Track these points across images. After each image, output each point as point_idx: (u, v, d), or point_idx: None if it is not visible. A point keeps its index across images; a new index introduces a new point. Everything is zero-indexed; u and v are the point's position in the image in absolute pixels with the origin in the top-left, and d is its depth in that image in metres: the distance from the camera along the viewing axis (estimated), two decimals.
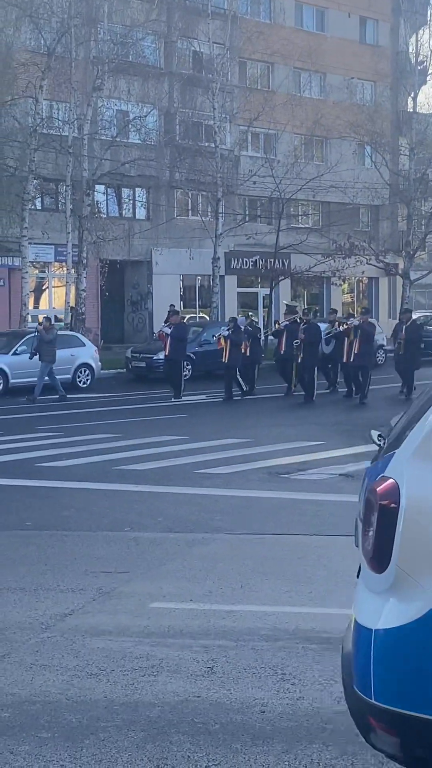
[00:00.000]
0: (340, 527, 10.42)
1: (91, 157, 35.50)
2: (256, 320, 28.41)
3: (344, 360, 24.10)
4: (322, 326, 26.37)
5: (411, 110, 46.30)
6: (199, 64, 40.88)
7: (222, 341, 25.01)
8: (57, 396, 24.16)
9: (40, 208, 37.32)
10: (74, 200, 34.79)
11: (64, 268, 36.39)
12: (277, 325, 26.89)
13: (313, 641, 6.75)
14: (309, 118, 42.87)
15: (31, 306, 34.77)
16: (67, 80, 34.05)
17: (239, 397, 24.55)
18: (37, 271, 39.11)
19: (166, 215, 41.28)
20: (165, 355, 25.05)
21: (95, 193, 37.10)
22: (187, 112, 40.77)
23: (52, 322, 26.11)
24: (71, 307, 35.07)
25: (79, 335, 29.65)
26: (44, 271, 40.00)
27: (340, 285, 46.50)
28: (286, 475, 13.70)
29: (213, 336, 27.66)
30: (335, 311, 28.88)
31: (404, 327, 24.65)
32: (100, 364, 28.23)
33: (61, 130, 35.15)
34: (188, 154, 40.13)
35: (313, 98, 45.69)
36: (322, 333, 25.51)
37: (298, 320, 25.29)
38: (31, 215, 33.49)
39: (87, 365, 27.81)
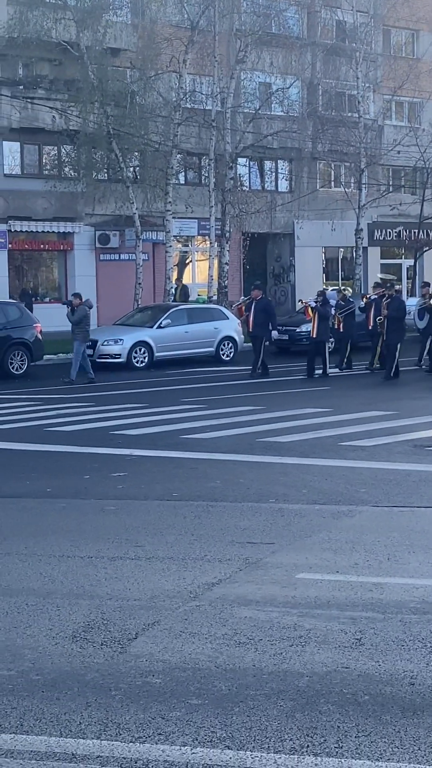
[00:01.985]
0: None
1: (233, 130, 35.52)
2: (350, 293, 26.66)
3: None
4: (413, 300, 25.49)
5: None
6: (342, 34, 40.41)
7: (309, 312, 24.06)
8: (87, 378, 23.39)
9: (183, 182, 37.55)
10: (217, 174, 34.89)
11: (207, 242, 36.55)
12: (364, 300, 25.47)
13: None
14: None
15: (173, 280, 35.08)
16: (210, 54, 34.11)
17: (319, 375, 23.32)
18: (180, 245, 39.41)
19: (308, 187, 41.00)
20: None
21: (238, 166, 37.09)
22: (330, 82, 40.35)
23: (82, 299, 24.18)
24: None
25: (222, 308, 29.79)
26: (187, 245, 40.29)
27: None
28: (431, 448, 13.52)
29: (302, 302, 26.46)
30: (428, 284, 27.21)
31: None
32: (243, 337, 28.34)
33: (204, 104, 35.25)
34: (331, 125, 39.75)
35: None
36: (415, 307, 24.51)
37: (387, 294, 23.65)
38: (174, 189, 33.73)
39: (230, 338, 27.94)
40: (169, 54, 32.50)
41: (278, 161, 41.31)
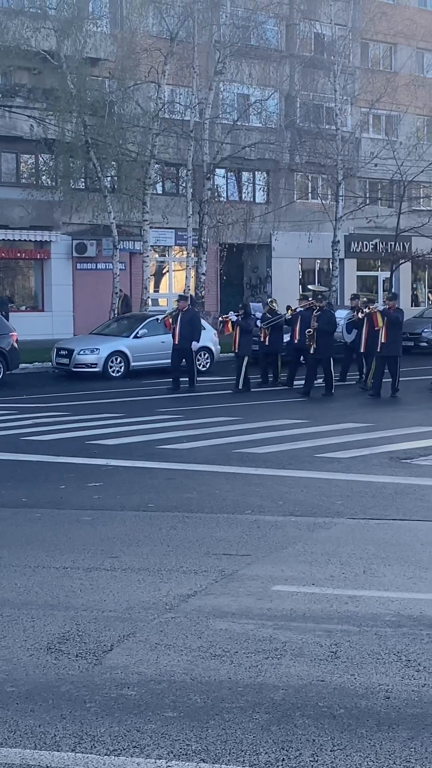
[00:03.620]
0: None
1: (211, 141, 35.59)
2: (277, 306, 25.45)
3: (362, 349, 22.73)
4: (342, 313, 24.78)
5: None
6: (320, 46, 40.57)
7: (229, 327, 23.23)
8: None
9: (160, 192, 37.59)
10: (195, 184, 34.95)
11: (184, 252, 36.59)
12: (290, 312, 23.98)
13: None
14: None
15: (151, 290, 35.08)
16: (189, 65, 34.20)
17: (244, 389, 22.68)
18: (157, 255, 39.43)
19: (285, 198, 41.12)
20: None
21: (215, 177, 37.19)
22: (308, 94, 40.52)
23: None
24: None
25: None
26: (164, 255, 40.31)
27: None
28: (407, 461, 13.57)
29: (219, 318, 25.66)
30: (357, 297, 26.33)
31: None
32: (219, 347, 28.33)
33: (182, 114, 35.34)
34: (309, 137, 39.90)
35: None
36: (344, 320, 23.98)
37: (316, 307, 22.63)
38: (152, 200, 33.76)
39: (207, 349, 27.91)
40: (148, 64, 32.55)
41: (256, 172, 41.41)
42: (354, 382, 23.77)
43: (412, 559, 8.50)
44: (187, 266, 35.93)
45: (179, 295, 26.03)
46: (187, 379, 23.00)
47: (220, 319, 24.86)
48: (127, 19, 33.72)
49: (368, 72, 42.51)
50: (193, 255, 35.40)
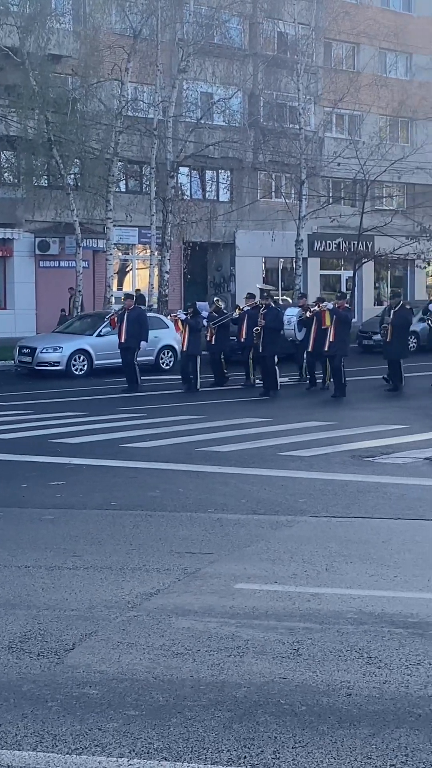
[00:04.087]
0: (426, 511, 10.38)
1: (175, 139, 35.56)
2: (224, 305, 25.51)
3: (310, 348, 22.54)
4: (293, 311, 24.54)
5: None
6: (283, 45, 40.65)
7: (179, 325, 23.11)
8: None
9: (124, 190, 37.52)
10: (158, 183, 34.90)
11: (148, 251, 36.54)
12: (238, 311, 24.12)
13: (399, 625, 6.71)
14: (395, 99, 42.46)
15: (115, 288, 35.00)
16: (152, 63, 34.14)
17: (195, 389, 22.55)
18: (120, 254, 39.33)
19: (249, 197, 41.17)
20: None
21: (179, 175, 37.15)
22: (272, 93, 40.58)
23: None
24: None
25: (162, 317, 29.75)
26: (128, 254, 40.22)
27: (425, 268, 46.01)
28: (370, 459, 13.63)
29: (169, 316, 25.38)
30: (305, 296, 26.21)
31: (392, 311, 22.49)
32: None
33: (146, 112, 35.27)
34: (272, 136, 39.96)
35: (399, 79, 45.18)
36: (294, 318, 23.84)
37: (262, 305, 22.72)
38: (115, 197, 33.68)
39: (170, 347, 27.91)
40: (111, 62, 32.46)
41: (219, 171, 41.42)
42: (308, 381, 23.54)
43: (374, 556, 8.54)
44: (150, 264, 35.86)
45: (125, 294, 25.88)
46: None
47: (170, 317, 24.61)
48: (90, 16, 33.58)
49: (331, 71, 42.62)
50: (156, 253, 35.36)
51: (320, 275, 45.07)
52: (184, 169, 38.54)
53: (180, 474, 12.62)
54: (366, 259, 42.06)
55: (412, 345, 32.30)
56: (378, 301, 46.03)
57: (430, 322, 23.15)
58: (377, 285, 47.30)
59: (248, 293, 25.58)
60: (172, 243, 36.06)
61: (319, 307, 22.33)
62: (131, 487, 11.85)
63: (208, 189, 41.78)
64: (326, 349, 21.44)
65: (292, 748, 4.94)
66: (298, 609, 7.10)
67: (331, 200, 42.25)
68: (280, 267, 44.17)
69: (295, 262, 40.00)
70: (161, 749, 4.93)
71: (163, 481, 12.17)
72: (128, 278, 40.53)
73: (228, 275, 42.44)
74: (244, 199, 41.13)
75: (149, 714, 5.35)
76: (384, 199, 46.01)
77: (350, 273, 43.07)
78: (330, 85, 40.96)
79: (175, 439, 15.43)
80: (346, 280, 44.95)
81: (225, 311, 24.85)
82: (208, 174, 41.49)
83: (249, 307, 23.58)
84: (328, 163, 40.04)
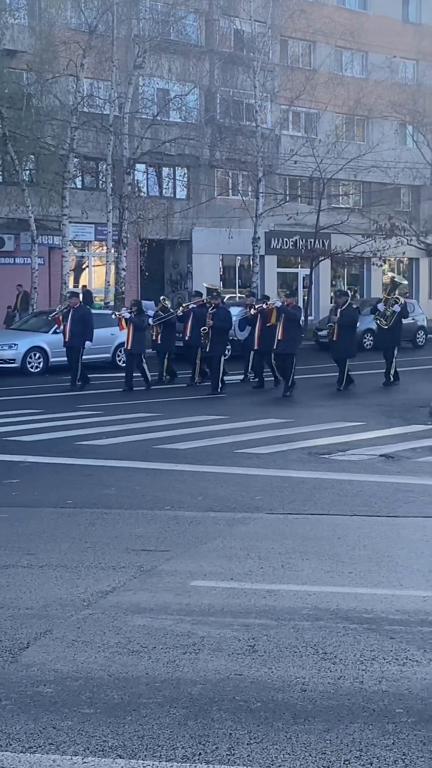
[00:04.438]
0: (381, 508, 10.43)
1: (131, 135, 35.50)
2: (170, 303, 25.33)
3: (256, 346, 22.33)
4: (236, 309, 24.42)
5: None
6: (240, 43, 40.69)
7: (123, 324, 22.72)
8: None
9: (80, 187, 37.39)
10: (114, 179, 34.81)
11: (104, 247, 36.44)
12: (182, 309, 23.84)
13: (354, 621, 6.74)
14: (350, 97, 42.63)
15: (71, 285, 34.87)
16: (108, 58, 34.06)
17: (144, 388, 22.27)
18: (77, 250, 39.20)
19: (206, 195, 41.19)
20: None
21: (135, 172, 37.09)
22: (228, 90, 40.62)
23: None
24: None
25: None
26: (84, 250, 40.09)
27: (381, 266, 46.24)
28: (326, 456, 13.67)
29: (113, 314, 24.95)
30: (252, 294, 25.96)
31: (339, 310, 22.16)
32: None
33: (101, 108, 35.16)
34: (229, 133, 40.01)
35: (354, 77, 45.37)
36: (236, 317, 23.74)
37: (211, 304, 22.26)
38: (71, 194, 33.56)
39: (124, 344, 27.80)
40: (66, 57, 32.34)
41: (176, 168, 41.39)
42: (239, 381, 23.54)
43: (330, 552, 8.57)
44: (107, 261, 35.80)
45: (70, 291, 25.61)
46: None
47: (114, 316, 24.26)
48: (45, 12, 33.48)
49: (288, 69, 42.71)
50: (113, 250, 35.28)
51: (277, 273, 45.18)
52: (140, 166, 38.50)
53: (136, 472, 12.59)
54: (323, 257, 42.16)
55: (368, 342, 32.51)
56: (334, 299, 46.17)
57: (378, 320, 23.08)
58: (334, 283, 47.46)
59: (195, 291, 25.54)
60: (129, 240, 36.00)
61: (265, 304, 22.22)
62: (87, 485, 11.80)
63: (164, 186, 41.77)
64: (275, 347, 21.24)
65: (247, 744, 4.94)
66: (254, 606, 7.11)
67: (287, 198, 42.34)
68: (238, 265, 44.22)
69: (252, 259, 40.06)
70: (116, 747, 4.92)
71: (119, 478, 12.14)
72: (84, 275, 40.40)
73: (185, 272, 42.43)
74: (201, 196, 41.14)
75: (104, 712, 5.34)
76: (340, 197, 46.20)
77: (307, 271, 43.17)
78: (286, 82, 41.06)
79: (132, 437, 15.41)
80: (303, 278, 45.08)
81: (171, 310, 24.66)
82: (165, 171, 41.48)
83: (195, 305, 23.37)
84: (285, 160, 40.15)
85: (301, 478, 12.05)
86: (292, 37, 43.65)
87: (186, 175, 41.86)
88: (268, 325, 21.40)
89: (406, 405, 19.26)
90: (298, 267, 46.16)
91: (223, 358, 21.90)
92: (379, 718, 5.25)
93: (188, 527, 9.58)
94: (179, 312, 23.80)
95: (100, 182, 36.99)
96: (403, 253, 45.57)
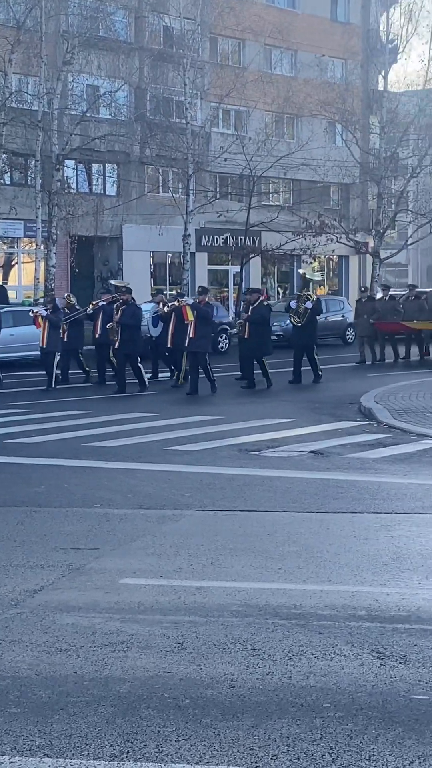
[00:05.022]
0: (310, 504, 10.49)
1: (60, 132, 35.29)
2: (75, 300, 24.85)
3: (169, 344, 22.25)
4: (147, 306, 24.12)
5: (381, 89, 46.16)
6: (170, 40, 40.65)
7: (39, 321, 22.08)
8: None
9: (8, 183, 37.07)
10: (44, 175, 34.59)
11: (34, 244, 36.19)
12: (92, 306, 23.37)
13: (283, 617, 6.77)
14: (280, 95, 42.84)
15: None
16: (36, 54, 33.82)
17: (47, 387, 21.80)
18: (5, 247, 38.88)
19: (136, 191, 41.10)
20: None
21: (65, 168, 36.89)
22: (158, 87, 40.57)
23: None
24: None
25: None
26: (13, 247, 39.77)
27: (311, 263, 46.53)
28: (256, 452, 13.72)
29: (30, 312, 23.99)
30: (161, 291, 25.91)
31: (250, 308, 21.94)
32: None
33: (30, 104, 34.92)
34: (159, 130, 39.95)
35: (284, 76, 45.59)
36: (149, 314, 23.45)
37: (120, 300, 21.81)
38: (0, 190, 33.25)
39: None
40: None
41: (106, 164, 41.25)
42: (167, 379, 23.40)
43: (259, 549, 8.60)
44: (36, 258, 35.55)
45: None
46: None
47: (30, 313, 23.62)
48: None
49: (217, 67, 42.78)
50: (42, 247, 35.04)
51: (208, 270, 45.22)
52: (70, 162, 38.31)
53: (66, 469, 12.53)
54: (253, 255, 42.31)
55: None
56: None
57: (291, 318, 23.01)
58: (264, 280, 47.63)
59: (104, 288, 25.35)
60: (59, 236, 35.81)
61: (178, 302, 21.99)
62: (15, 483, 11.72)
63: (94, 182, 41.60)
64: (186, 345, 20.83)
65: (175, 741, 4.94)
66: (184, 603, 7.11)
67: (218, 195, 42.40)
68: (168, 262, 44.18)
69: (183, 256, 40.04)
70: (43, 746, 4.89)
71: (48, 476, 12.07)
72: (14, 272, 40.07)
73: (115, 269, 42.28)
74: (131, 193, 41.04)
75: (32, 711, 5.30)
76: (270, 195, 46.36)
77: (237, 268, 43.28)
78: (216, 80, 41.12)
79: (61, 435, 15.32)
80: (234, 275, 45.17)
81: (77, 307, 24.27)
82: (95, 167, 41.32)
83: (104, 302, 22.97)
84: (215, 158, 40.20)
85: (231, 475, 12.08)
86: (222, 35, 43.71)
87: (116, 172, 41.72)
88: (185, 322, 20.91)
89: (335, 401, 19.40)
90: (228, 264, 46.23)
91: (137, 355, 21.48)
92: (307, 713, 5.28)
93: (118, 525, 9.55)
94: (89, 309, 23.37)
95: (29, 178, 36.69)
96: (333, 251, 45.91)
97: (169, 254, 43.41)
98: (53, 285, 34.99)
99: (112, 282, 24.30)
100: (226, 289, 46.31)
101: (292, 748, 4.87)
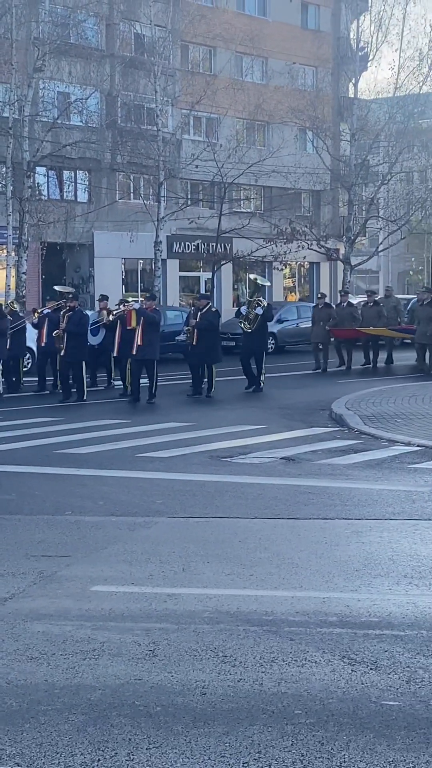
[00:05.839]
0: (282, 510, 10.51)
1: (31, 138, 35.19)
2: (18, 307, 24.37)
3: (115, 353, 21.71)
4: (89, 313, 23.54)
5: (352, 96, 46.29)
6: (140, 47, 40.65)
7: None
8: None
9: None
10: (14, 182, 34.47)
11: (4, 251, 36.06)
12: (36, 314, 22.96)
13: (254, 623, 6.77)
14: (251, 102, 42.94)
15: None
16: (7, 61, 33.70)
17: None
18: None
19: (107, 198, 41.05)
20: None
21: (36, 175, 36.78)
22: (129, 94, 40.55)
23: None
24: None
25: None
26: None
27: (282, 270, 46.65)
28: (227, 459, 13.72)
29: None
30: (106, 297, 25.06)
31: (199, 313, 21.42)
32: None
33: (1, 111, 34.80)
34: (130, 137, 39.94)
35: (254, 83, 45.67)
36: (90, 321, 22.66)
37: (66, 307, 21.39)
38: None
39: (29, 350, 27.51)
40: None
41: (77, 171, 41.18)
42: (103, 387, 23.15)
43: (231, 555, 8.60)
44: (7, 265, 35.39)
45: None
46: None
47: None
48: None
49: (188, 74, 42.82)
50: (13, 254, 34.92)
51: (179, 277, 45.22)
52: (41, 169, 38.18)
53: (36, 477, 12.49)
54: (224, 261, 42.35)
55: (270, 345, 32.62)
56: (237, 303, 46.40)
57: (242, 324, 22.71)
58: (236, 287, 47.69)
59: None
60: (30, 243, 35.67)
61: (124, 305, 21.74)
62: None
63: (65, 189, 41.51)
64: (134, 353, 20.35)
65: (147, 749, 4.93)
66: (155, 610, 7.10)
67: (189, 202, 42.40)
68: (140, 268, 44.11)
69: (154, 263, 40.02)
70: (14, 755, 4.87)
71: (18, 484, 12.03)
72: None
73: (87, 276, 42.21)
74: (102, 199, 40.99)
75: (2, 720, 5.28)
76: (242, 202, 46.43)
77: (209, 275, 43.30)
78: (187, 87, 41.15)
79: (32, 442, 15.26)
80: (206, 281, 45.19)
81: (20, 314, 23.82)
82: (66, 174, 41.22)
83: (49, 310, 22.54)
84: (186, 165, 40.21)
85: (202, 482, 12.08)
86: (193, 42, 43.76)
87: (87, 179, 41.65)
88: (129, 328, 20.52)
89: (306, 408, 19.43)
90: (200, 271, 46.23)
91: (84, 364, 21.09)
92: (278, 719, 5.28)
93: (89, 532, 9.53)
94: (34, 319, 22.99)
95: (0, 185, 36.56)
96: (304, 258, 46.03)
97: (141, 261, 43.36)
98: (24, 292, 34.87)
99: (57, 288, 23.78)
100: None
101: (263, 755, 4.88)
